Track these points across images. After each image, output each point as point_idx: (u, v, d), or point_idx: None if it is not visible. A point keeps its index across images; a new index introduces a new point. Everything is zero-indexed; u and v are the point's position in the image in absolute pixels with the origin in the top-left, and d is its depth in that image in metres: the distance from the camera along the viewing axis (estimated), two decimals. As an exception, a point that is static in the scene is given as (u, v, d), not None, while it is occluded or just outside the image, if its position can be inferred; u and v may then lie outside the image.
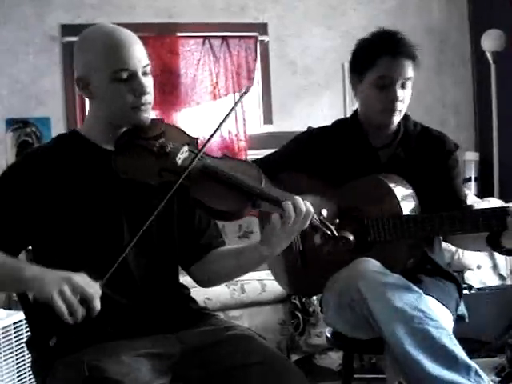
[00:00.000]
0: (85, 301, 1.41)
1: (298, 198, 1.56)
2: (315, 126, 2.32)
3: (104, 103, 1.66)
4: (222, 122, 1.67)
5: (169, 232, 1.73)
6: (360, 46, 2.13)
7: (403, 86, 2.05)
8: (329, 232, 1.61)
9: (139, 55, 1.63)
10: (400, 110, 2.06)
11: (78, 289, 1.40)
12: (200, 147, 1.66)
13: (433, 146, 2.13)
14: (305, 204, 1.55)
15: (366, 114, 2.13)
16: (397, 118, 2.08)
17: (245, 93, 1.77)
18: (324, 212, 1.62)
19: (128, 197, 1.66)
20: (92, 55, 1.63)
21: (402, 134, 2.14)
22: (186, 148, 1.65)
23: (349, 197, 2.06)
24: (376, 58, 2.04)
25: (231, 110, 1.69)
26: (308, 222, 1.56)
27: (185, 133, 1.76)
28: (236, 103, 1.82)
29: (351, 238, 1.61)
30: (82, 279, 1.43)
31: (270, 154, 2.31)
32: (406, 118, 2.16)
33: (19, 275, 1.48)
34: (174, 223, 1.74)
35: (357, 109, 2.20)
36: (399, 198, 1.97)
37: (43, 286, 1.42)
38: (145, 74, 1.64)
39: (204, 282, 1.82)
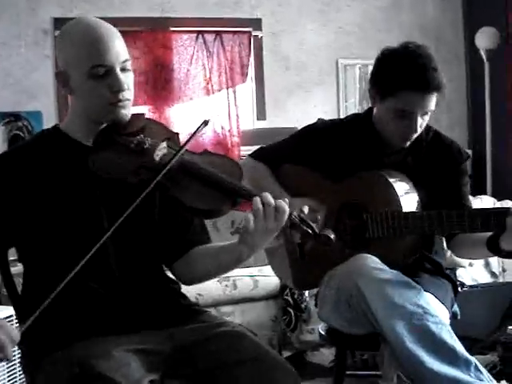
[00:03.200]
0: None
1: (266, 193, 1.52)
2: (308, 122, 2.30)
3: (82, 99, 1.64)
4: (192, 136, 1.60)
5: (150, 227, 1.71)
6: (384, 65, 2.02)
7: (424, 115, 1.99)
8: (309, 230, 1.54)
9: (117, 50, 1.60)
10: (416, 134, 2.02)
11: None
12: (181, 143, 1.63)
13: (443, 155, 2.10)
14: (277, 201, 1.51)
15: (380, 130, 2.08)
16: (410, 141, 2.04)
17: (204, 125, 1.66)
18: (305, 209, 1.58)
19: (108, 194, 1.64)
20: (70, 50, 1.61)
21: (414, 140, 2.08)
22: (164, 144, 1.62)
23: (349, 192, 2.05)
24: (398, 90, 1.95)
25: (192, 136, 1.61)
26: (283, 219, 1.51)
27: (165, 128, 1.73)
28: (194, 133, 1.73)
29: (332, 236, 1.54)
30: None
31: (277, 144, 2.28)
32: None
33: None
34: (155, 218, 1.72)
35: (370, 108, 2.14)
36: (399, 194, 1.96)
37: None
38: (123, 69, 1.61)
39: (186, 281, 1.80)
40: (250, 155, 2.30)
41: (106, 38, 1.59)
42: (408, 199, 1.99)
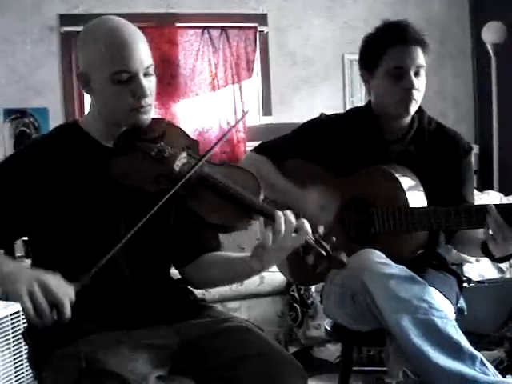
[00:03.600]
0: (55, 305, 1.35)
1: (289, 212, 1.51)
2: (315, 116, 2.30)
3: (103, 102, 1.62)
4: (227, 133, 1.63)
5: (164, 233, 1.71)
6: (368, 40, 2.11)
7: (417, 74, 2.02)
8: (323, 251, 1.52)
9: (142, 56, 1.58)
10: (416, 100, 2.03)
11: (48, 292, 1.35)
12: (201, 153, 1.63)
13: (446, 146, 2.09)
14: (298, 220, 1.50)
15: (381, 105, 2.09)
16: (413, 108, 2.04)
17: (245, 114, 1.72)
18: (321, 230, 1.56)
19: (127, 197, 1.63)
20: (93, 53, 1.58)
21: (416, 129, 2.10)
22: (184, 154, 1.61)
23: (355, 187, 2.05)
24: (386, 48, 2.02)
25: (235, 125, 1.66)
26: (303, 239, 1.51)
27: (186, 135, 1.72)
28: (238, 121, 1.77)
29: (345, 259, 1.53)
30: (55, 281, 1.38)
31: (280, 138, 2.27)
32: (421, 113, 2.12)
33: None
34: (170, 224, 1.72)
35: (369, 100, 2.16)
36: (405, 189, 1.96)
37: (14, 284, 1.37)
38: (147, 74, 1.60)
39: (196, 285, 1.81)
40: (252, 150, 2.30)
41: (130, 43, 1.56)
42: (414, 195, 1.98)
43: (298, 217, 1.55)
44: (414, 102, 2.02)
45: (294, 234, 1.50)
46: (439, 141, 2.10)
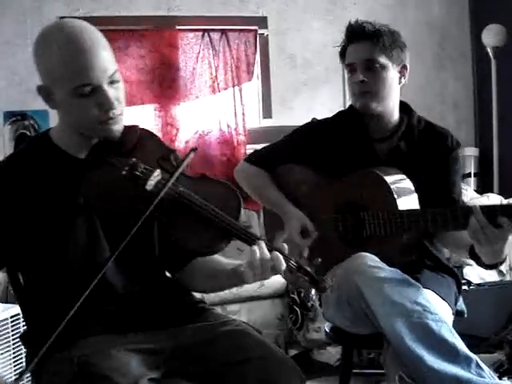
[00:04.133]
0: None
1: (262, 244, 1.49)
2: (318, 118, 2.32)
3: (69, 116, 1.55)
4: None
5: (149, 241, 1.68)
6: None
7: (369, 69, 2.06)
8: (306, 277, 1.52)
9: (104, 65, 1.47)
10: (369, 92, 2.06)
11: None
12: (177, 161, 1.56)
13: (435, 142, 2.11)
14: (273, 253, 1.48)
15: (351, 100, 2.17)
16: (373, 104, 2.07)
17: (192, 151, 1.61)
18: (305, 253, 1.58)
19: (102, 212, 1.58)
20: (50, 64, 1.47)
21: (405, 127, 2.12)
22: (157, 172, 1.52)
23: (347, 191, 2.06)
24: (345, 51, 2.14)
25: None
26: (280, 270, 1.49)
27: (161, 144, 1.64)
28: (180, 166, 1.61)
29: (327, 285, 1.52)
30: None
31: (270, 145, 2.30)
32: (410, 113, 2.15)
33: None
34: (153, 235, 1.69)
35: None
36: (395, 192, 1.97)
37: None
38: (112, 82, 1.50)
39: (190, 288, 1.80)
40: (245, 160, 2.31)
41: (89, 52, 1.45)
42: (404, 197, 1.99)
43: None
44: (367, 96, 2.06)
45: (271, 265, 1.48)
46: (428, 138, 2.12)
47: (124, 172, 1.50)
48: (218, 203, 1.51)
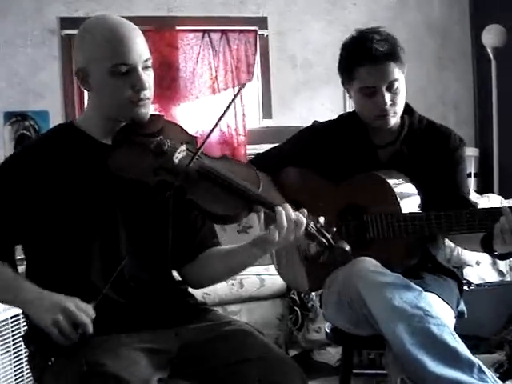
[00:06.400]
0: (79, 325, 1.46)
1: (288, 207, 1.55)
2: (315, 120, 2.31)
3: (102, 96, 1.63)
4: (219, 119, 1.64)
5: (163, 231, 1.71)
6: (341, 54, 2.09)
7: (390, 89, 1.98)
8: (325, 240, 1.57)
9: (140, 49, 1.60)
10: (394, 112, 2.01)
11: (70, 316, 1.46)
12: (198, 146, 1.63)
13: (438, 142, 2.08)
14: (296, 214, 1.54)
15: (361, 117, 2.09)
16: (393, 120, 2.03)
17: (242, 87, 1.75)
18: (321, 220, 1.60)
19: (124, 193, 1.64)
20: (92, 47, 1.60)
21: (407, 131, 2.09)
22: (183, 147, 1.62)
23: (349, 194, 2.05)
24: (353, 70, 2.00)
25: (228, 107, 1.66)
26: (301, 231, 1.55)
27: (184, 131, 1.73)
28: (234, 98, 1.77)
29: (347, 248, 1.58)
30: (74, 305, 1.47)
31: (273, 149, 2.29)
32: (411, 113, 2.12)
33: (15, 296, 1.55)
34: (168, 222, 1.72)
35: None
36: (398, 195, 1.96)
37: (37, 314, 1.49)
38: (145, 68, 1.62)
39: (195, 284, 1.81)
40: (248, 163, 2.31)
41: (128, 37, 1.59)
42: (407, 200, 1.98)
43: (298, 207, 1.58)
44: (391, 116, 2.01)
45: (294, 227, 1.54)
46: (431, 138, 2.09)
47: (152, 146, 1.60)
48: (240, 176, 1.59)
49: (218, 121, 1.64)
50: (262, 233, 1.60)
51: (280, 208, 1.54)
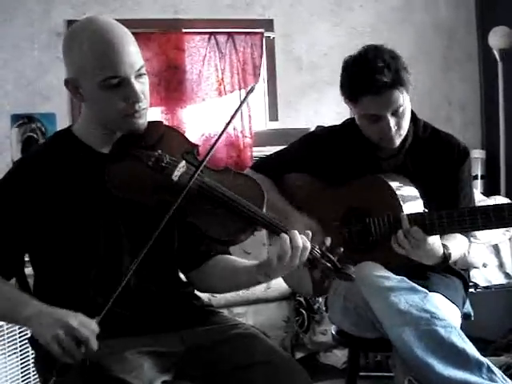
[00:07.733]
0: (82, 342, 1.38)
1: (295, 232, 1.49)
2: (321, 123, 2.30)
3: (95, 109, 1.57)
4: (225, 128, 1.58)
5: (168, 239, 1.68)
6: (343, 76, 2.06)
7: (395, 114, 1.95)
8: (330, 265, 1.51)
9: (132, 59, 1.51)
10: (400, 134, 1.99)
11: (73, 332, 1.38)
12: (200, 158, 1.57)
13: (443, 153, 2.07)
14: (302, 239, 1.48)
15: (366, 136, 2.06)
16: (399, 140, 2.01)
17: (250, 92, 1.65)
18: (328, 241, 1.55)
19: (125, 205, 1.59)
20: (80, 59, 1.51)
21: (411, 141, 2.08)
22: (183, 163, 1.54)
23: (351, 197, 2.05)
24: (357, 97, 1.97)
25: (235, 113, 1.59)
26: (305, 257, 1.49)
27: (185, 139, 1.65)
28: (241, 103, 1.71)
29: (352, 272, 1.51)
30: (76, 321, 1.39)
31: (276, 153, 2.29)
32: (415, 121, 2.09)
33: (16, 313, 1.48)
34: (174, 230, 1.69)
35: None
36: (400, 197, 1.95)
37: (37, 331, 1.42)
38: (139, 76, 1.54)
39: (201, 289, 1.80)
40: (251, 167, 2.31)
41: (118, 46, 1.49)
42: (410, 202, 1.97)
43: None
44: (396, 137, 1.99)
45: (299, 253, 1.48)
46: (435, 148, 2.08)
47: (150, 163, 1.52)
48: (242, 194, 1.52)
49: (223, 131, 1.57)
50: (266, 258, 1.53)
51: (285, 235, 1.48)
